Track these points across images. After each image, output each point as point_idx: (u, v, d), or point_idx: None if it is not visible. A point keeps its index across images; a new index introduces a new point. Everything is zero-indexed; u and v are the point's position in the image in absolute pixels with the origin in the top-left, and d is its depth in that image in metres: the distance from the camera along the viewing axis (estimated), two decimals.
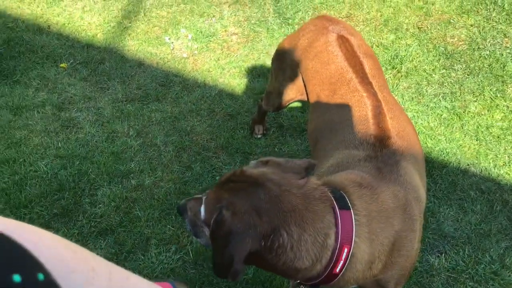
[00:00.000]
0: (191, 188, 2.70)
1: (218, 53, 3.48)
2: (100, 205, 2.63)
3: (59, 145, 2.90)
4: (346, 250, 1.20)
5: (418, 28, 3.58)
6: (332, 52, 1.98)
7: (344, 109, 1.79)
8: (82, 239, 2.50)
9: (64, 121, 3.03)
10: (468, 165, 2.77)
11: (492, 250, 2.37)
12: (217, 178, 2.75)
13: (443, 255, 2.39)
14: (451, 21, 3.61)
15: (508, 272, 2.29)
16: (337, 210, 1.21)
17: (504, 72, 3.28)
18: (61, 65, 3.36)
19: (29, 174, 2.74)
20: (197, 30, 3.62)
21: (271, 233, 1.14)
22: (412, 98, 3.12)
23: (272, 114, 3.04)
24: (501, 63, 3.32)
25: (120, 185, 2.72)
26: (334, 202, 1.23)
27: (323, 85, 1.95)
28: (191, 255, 2.39)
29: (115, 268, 0.75)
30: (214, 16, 3.73)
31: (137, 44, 3.53)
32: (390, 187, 1.41)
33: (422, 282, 2.27)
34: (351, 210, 1.24)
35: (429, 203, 2.63)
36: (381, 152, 1.54)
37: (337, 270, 1.21)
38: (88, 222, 2.55)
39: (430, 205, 2.62)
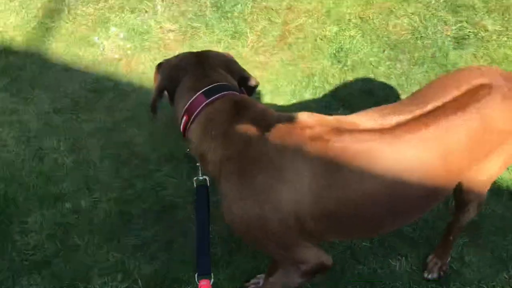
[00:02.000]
0: (134, 208, 2.47)
1: (154, 53, 3.23)
2: (32, 234, 2.35)
3: None
4: (186, 117, 1.59)
5: (361, 18, 3.49)
6: None
7: None
8: (14, 275, 2.22)
9: None
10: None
11: None
12: (162, 194, 2.53)
13: (403, 258, 2.32)
14: (393, 9, 3.55)
15: (469, 270, 2.26)
16: (200, 95, 1.56)
17: (448, 61, 3.26)
18: None
19: None
20: (129, 28, 3.33)
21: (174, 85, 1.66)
22: (362, 94, 3.04)
23: None
24: (444, 52, 3.30)
25: (53, 210, 2.45)
26: (203, 92, 1.57)
27: None
28: (139, 283, 2.18)
29: None
30: (146, 11, 3.45)
31: (62, 47, 3.20)
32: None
33: None
34: (206, 101, 1.55)
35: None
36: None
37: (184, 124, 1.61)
38: (19, 255, 2.27)
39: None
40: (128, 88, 3.03)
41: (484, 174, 1.77)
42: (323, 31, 3.39)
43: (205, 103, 1.55)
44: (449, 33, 3.44)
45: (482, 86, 1.56)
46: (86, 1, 3.47)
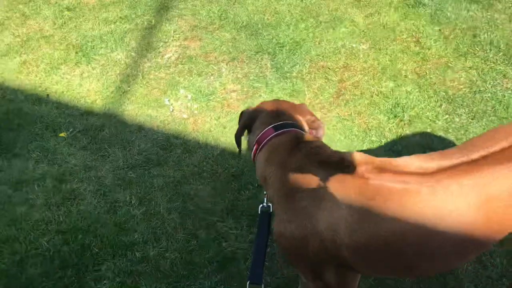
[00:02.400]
0: (197, 257, 2.61)
1: (218, 112, 3.46)
2: (105, 281, 2.53)
3: (61, 219, 2.83)
4: (256, 145, 1.90)
5: (417, 74, 3.57)
6: None
7: None
8: None
9: (65, 193, 2.97)
10: None
11: None
12: (223, 245, 2.66)
13: None
14: (449, 64, 3.60)
15: None
16: (270, 129, 1.87)
17: (508, 113, 3.23)
18: (61, 134, 3.34)
19: (30, 253, 2.65)
20: (196, 90, 3.61)
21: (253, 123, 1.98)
22: (420, 147, 3.07)
23: None
24: (504, 105, 3.28)
25: (124, 258, 2.63)
26: (273, 127, 1.87)
27: None
28: None
29: None
30: (212, 74, 3.74)
31: (136, 108, 3.52)
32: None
33: None
34: (273, 134, 1.85)
35: None
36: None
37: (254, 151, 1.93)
38: None
39: None
40: (195, 145, 3.25)
41: None
42: (379, 87, 3.49)
43: (272, 135, 1.85)
44: (509, 86, 3.43)
45: None
46: (159, 67, 3.82)
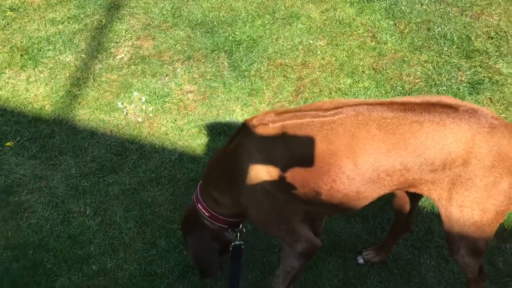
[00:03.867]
0: (158, 268, 2.51)
1: (174, 114, 3.35)
2: None
3: (9, 234, 2.67)
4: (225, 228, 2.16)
5: (374, 69, 3.57)
6: None
7: None
8: None
9: (13, 207, 2.80)
10: None
11: None
12: (184, 253, 2.57)
13: None
14: (405, 59, 3.62)
15: None
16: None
17: None
18: (7, 143, 3.14)
19: None
20: (151, 92, 3.49)
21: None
22: None
23: None
24: (459, 97, 3.32)
25: (80, 273, 2.51)
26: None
27: None
28: None
29: None
30: (167, 75, 3.62)
31: (88, 113, 3.36)
32: None
33: None
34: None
35: (408, 254, 2.54)
36: None
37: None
38: None
39: (410, 257, 2.52)
40: (151, 150, 3.13)
41: None
42: (337, 84, 3.47)
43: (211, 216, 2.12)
44: (463, 79, 3.48)
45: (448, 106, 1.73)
46: (110, 68, 3.66)
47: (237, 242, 2.10)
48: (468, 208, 1.75)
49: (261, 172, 1.87)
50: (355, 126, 1.74)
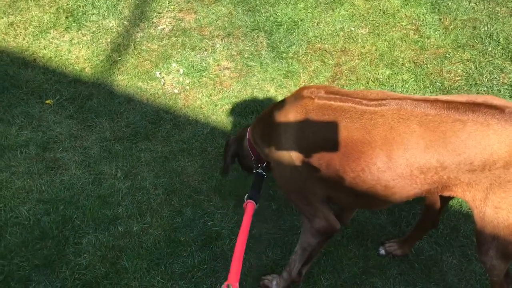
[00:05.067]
0: (182, 235, 2.56)
1: (210, 89, 3.38)
2: (85, 255, 2.48)
3: (43, 188, 2.75)
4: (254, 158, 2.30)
5: (414, 62, 3.52)
6: None
7: None
8: None
9: (48, 162, 2.89)
10: (469, 208, 2.66)
11: None
12: (209, 224, 2.62)
13: None
14: (447, 55, 3.56)
15: None
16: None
17: None
18: (47, 101, 3.23)
19: (9, 221, 2.58)
20: (189, 65, 3.52)
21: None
22: None
23: None
24: None
25: (106, 232, 2.58)
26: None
27: None
28: None
29: None
30: (206, 50, 3.64)
31: (126, 79, 3.42)
32: None
33: None
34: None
35: (431, 250, 2.53)
36: None
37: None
38: (72, 274, 2.40)
39: (433, 253, 2.51)
40: (185, 121, 3.17)
41: None
42: (375, 74, 3.43)
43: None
44: (505, 81, 3.40)
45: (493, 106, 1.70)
46: (151, 38, 3.70)
47: (259, 170, 2.25)
48: (504, 210, 1.73)
49: (291, 142, 1.93)
50: (396, 119, 1.74)
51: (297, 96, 1.98)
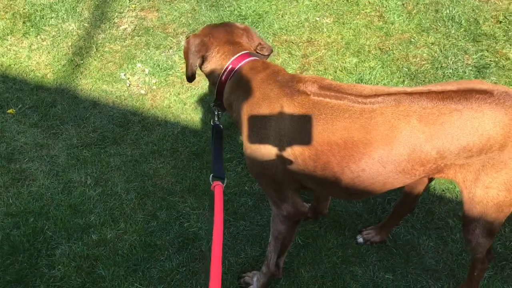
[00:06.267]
0: (158, 239, 2.52)
1: (178, 87, 3.32)
2: (59, 266, 2.41)
3: (10, 201, 2.66)
4: (224, 76, 1.99)
5: (380, 49, 3.53)
6: None
7: None
8: None
9: (14, 174, 2.79)
10: (443, 190, 2.70)
11: None
12: (185, 225, 2.58)
13: None
14: (412, 40, 3.58)
15: None
16: (236, 59, 1.98)
17: None
18: (9, 111, 3.12)
19: None
20: (154, 64, 3.45)
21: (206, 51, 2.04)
22: None
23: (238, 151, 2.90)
24: None
25: (80, 242, 2.51)
26: (238, 57, 1.99)
27: None
28: None
29: None
30: (171, 47, 3.57)
31: (90, 83, 3.33)
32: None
33: None
34: (241, 63, 1.96)
35: (408, 235, 2.55)
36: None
37: (223, 78, 2.00)
38: (46, 287, 2.33)
39: (409, 237, 2.53)
40: (154, 122, 3.11)
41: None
42: (343, 62, 3.44)
43: (239, 65, 1.97)
44: (469, 62, 3.45)
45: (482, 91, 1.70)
46: (114, 39, 3.62)
47: (217, 122, 2.10)
48: (494, 189, 1.75)
49: (280, 136, 1.82)
50: (396, 117, 1.71)
51: (292, 88, 1.83)
